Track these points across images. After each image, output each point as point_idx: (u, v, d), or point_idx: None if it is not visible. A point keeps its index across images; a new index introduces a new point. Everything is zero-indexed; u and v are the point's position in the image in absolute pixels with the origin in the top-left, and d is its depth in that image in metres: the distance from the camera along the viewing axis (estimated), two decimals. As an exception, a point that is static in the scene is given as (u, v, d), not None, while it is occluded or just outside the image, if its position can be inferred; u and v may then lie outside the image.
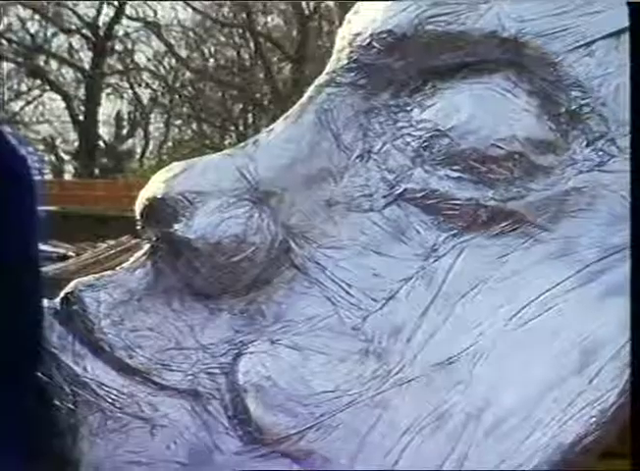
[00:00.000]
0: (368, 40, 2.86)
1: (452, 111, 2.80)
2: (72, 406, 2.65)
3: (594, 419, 2.54)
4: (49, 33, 27.22)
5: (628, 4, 2.06)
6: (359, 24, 2.92)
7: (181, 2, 27.11)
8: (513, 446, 2.54)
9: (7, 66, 27.06)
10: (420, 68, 2.85)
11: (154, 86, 29.50)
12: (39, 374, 2.60)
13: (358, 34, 2.89)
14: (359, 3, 3.07)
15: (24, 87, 27.77)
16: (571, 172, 2.77)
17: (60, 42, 27.71)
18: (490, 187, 2.76)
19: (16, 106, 25.97)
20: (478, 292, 2.72)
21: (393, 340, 2.70)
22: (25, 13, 24.28)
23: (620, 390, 2.56)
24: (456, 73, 2.84)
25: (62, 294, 2.77)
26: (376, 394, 2.65)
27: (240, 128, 27.96)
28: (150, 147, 30.24)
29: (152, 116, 30.41)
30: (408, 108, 2.86)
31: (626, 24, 2.78)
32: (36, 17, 25.99)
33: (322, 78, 2.95)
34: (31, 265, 2.60)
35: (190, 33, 28.20)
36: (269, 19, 27.72)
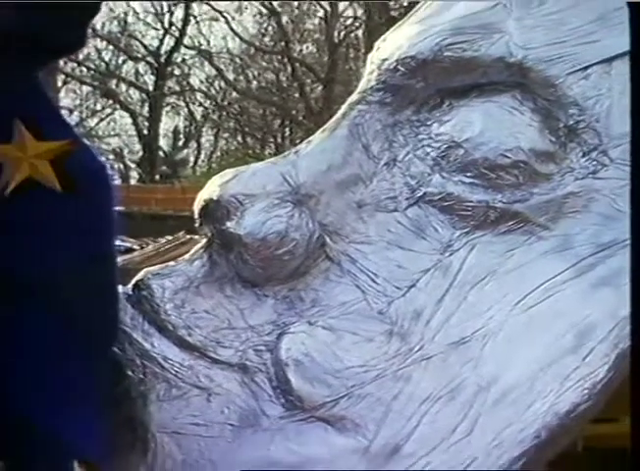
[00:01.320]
0: (394, 64, 2.87)
1: (466, 125, 2.82)
2: (142, 376, 2.69)
3: (586, 391, 2.56)
4: (120, 61, 27.37)
5: (628, 4, 2.02)
6: (387, 50, 2.93)
7: (230, 33, 27.19)
8: (517, 414, 2.55)
9: (85, 89, 27.17)
10: (439, 88, 2.86)
11: (206, 105, 29.51)
12: (115, 348, 2.62)
13: (386, 59, 2.90)
14: (388, 32, 3.08)
15: (98, 107, 27.86)
16: (569, 178, 2.78)
17: (128, 68, 27.88)
18: (498, 191, 2.77)
19: (91, 122, 26.10)
20: (487, 282, 2.73)
21: (414, 322, 2.72)
22: (100, 44, 24.42)
23: (609, 366, 2.58)
24: (470, 92, 2.85)
25: (133, 282, 2.80)
26: (399, 369, 2.68)
27: (279, 140, 27.93)
28: (202, 157, 30.27)
29: (204, 130, 30.42)
30: (428, 123, 2.87)
31: (618, 51, 2.79)
32: (110, 47, 26.08)
33: (354, 97, 2.97)
34: (110, 256, 2.62)
35: (237, 59, 28.20)
36: (304, 46, 27.67)
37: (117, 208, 2.63)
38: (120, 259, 2.80)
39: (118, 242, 2.78)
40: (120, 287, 2.69)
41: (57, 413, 2.31)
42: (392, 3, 17.18)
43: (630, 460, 2.26)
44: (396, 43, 2.92)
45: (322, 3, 26.64)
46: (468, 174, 2.79)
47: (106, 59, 27.13)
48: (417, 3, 3.14)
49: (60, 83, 22.86)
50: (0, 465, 2.51)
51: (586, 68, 2.80)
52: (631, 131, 2.66)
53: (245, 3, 27.07)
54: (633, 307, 2.38)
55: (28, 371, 2.31)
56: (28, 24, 2.06)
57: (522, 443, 2.53)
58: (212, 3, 26.88)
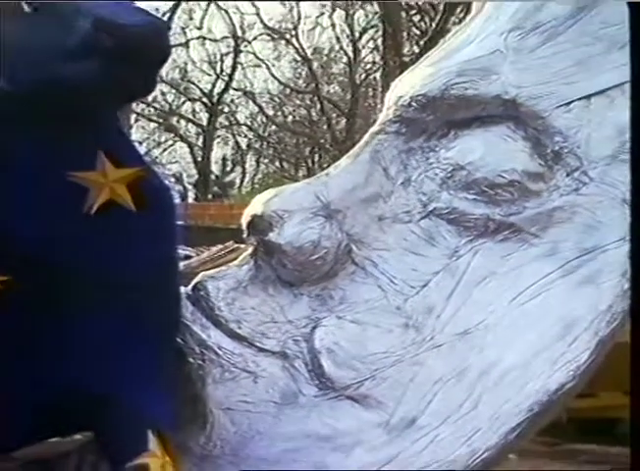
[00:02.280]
0: (408, 101, 2.87)
1: (468, 151, 2.82)
2: (200, 362, 2.71)
3: (571, 372, 2.56)
4: (180, 101, 27.38)
5: (628, 4, 1.99)
6: (402, 89, 2.93)
7: (270, 77, 27.29)
8: (514, 392, 2.56)
9: (152, 125, 27.21)
10: (446, 120, 2.86)
11: (249, 136, 29.49)
12: (179, 339, 2.65)
13: (401, 97, 2.90)
14: (404, 74, 3.08)
15: (162, 139, 27.89)
16: (555, 195, 2.77)
17: (187, 107, 27.88)
18: (496, 206, 2.77)
19: (156, 152, 26.12)
20: (488, 282, 2.74)
21: (426, 316, 2.73)
22: (165, 88, 24.45)
23: (591, 352, 2.58)
24: (472, 124, 2.85)
25: (192, 283, 2.81)
26: (414, 356, 2.69)
27: (309, 164, 27.85)
28: (246, 179, 30.19)
29: (247, 157, 30.38)
30: (437, 149, 2.87)
31: (595, 90, 2.80)
32: (172, 91, 26.14)
33: (374, 128, 2.98)
34: (174, 262, 2.63)
35: (275, 98, 28.18)
36: (330, 87, 27.63)
37: (179, 222, 2.65)
38: (181, 264, 2.80)
39: (179, 251, 2.78)
40: (181, 288, 2.71)
41: (135, 392, 2.33)
42: (405, 51, 17.14)
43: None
44: (410, 83, 2.93)
45: (346, 50, 26.66)
46: (471, 191, 2.79)
47: (169, 100, 27.17)
48: (426, 51, 3.14)
49: (132, 121, 22.96)
50: (89, 435, 2.54)
51: (569, 103, 2.80)
52: (631, 131, 2.64)
53: (283, 51, 27.21)
54: (633, 307, 2.35)
55: (112, 358, 2.33)
56: (110, 75, 2.07)
57: (518, 416, 2.54)
58: (256, 53, 27.07)
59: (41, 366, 2.27)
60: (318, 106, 27.49)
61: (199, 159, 28.22)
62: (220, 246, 3.21)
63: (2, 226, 2.19)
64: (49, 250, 2.23)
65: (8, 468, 2.51)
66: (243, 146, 30.33)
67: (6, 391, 2.27)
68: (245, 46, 27.66)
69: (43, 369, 2.28)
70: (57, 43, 2.10)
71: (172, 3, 24.58)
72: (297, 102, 28.75)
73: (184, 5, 25.76)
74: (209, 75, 28.20)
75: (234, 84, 28.18)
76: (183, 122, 28.73)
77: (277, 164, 30.64)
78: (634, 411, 2.27)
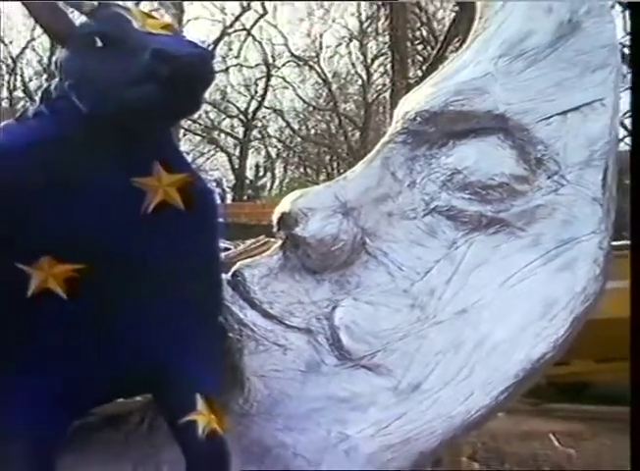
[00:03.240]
0: (414, 116, 2.86)
1: (464, 158, 2.81)
2: (239, 337, 2.72)
3: (551, 344, 2.57)
4: (220, 118, 27.42)
5: (629, 4, 1.97)
6: (408, 105, 2.92)
7: (296, 97, 27.34)
8: (503, 361, 2.57)
9: (197, 138, 27.26)
10: (445, 132, 2.85)
11: (278, 147, 29.53)
12: (221, 318, 2.65)
13: (408, 112, 2.89)
14: (410, 93, 3.07)
15: (205, 150, 27.94)
16: (538, 195, 2.76)
17: (226, 123, 27.93)
18: (488, 204, 2.76)
19: (201, 161, 26.11)
20: (482, 268, 2.73)
21: (429, 297, 2.73)
22: (208, 107, 24.49)
23: (567, 327, 2.58)
24: (468, 134, 2.83)
25: (231, 271, 2.82)
26: (419, 331, 2.69)
27: (329, 170, 27.86)
28: (275, 183, 30.27)
29: (277, 164, 30.43)
30: (438, 156, 2.86)
31: (571, 107, 2.79)
32: (214, 109, 26.23)
33: (384, 139, 2.97)
34: (217, 253, 2.64)
35: (300, 115, 28.21)
36: (347, 105, 27.61)
37: (220, 220, 2.66)
38: (221, 255, 2.81)
39: (220, 244, 2.79)
40: (223, 275, 2.71)
41: (187, 362, 2.34)
42: (410, 74, 17.07)
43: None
44: (415, 101, 2.92)
45: (360, 73, 26.64)
46: (467, 192, 2.78)
47: (211, 117, 27.23)
48: (429, 75, 3.13)
49: (181, 134, 23.02)
50: (149, 397, 2.56)
51: (549, 118, 2.79)
52: (632, 131, 2.62)
53: (307, 75, 27.25)
54: (633, 305, 2.32)
55: (169, 334, 2.34)
56: (165, 97, 2.09)
57: (506, 381, 2.55)
58: (284, 77, 27.21)
59: (114, 341, 2.28)
60: (336, 121, 27.49)
61: (236, 166, 28.29)
62: (253, 240, 3.20)
63: (78, 224, 2.20)
64: (116, 244, 2.23)
65: (90, 421, 2.55)
66: (273, 155, 30.40)
67: (88, 363, 2.29)
68: (275, 71, 27.75)
69: (116, 344, 2.29)
70: (122, 72, 2.11)
71: (216, 36, 24.78)
72: (319, 118, 28.76)
73: (224, 38, 25.91)
74: (245, 96, 28.28)
75: (265, 103, 28.26)
76: (222, 135, 28.81)
77: (301, 170, 30.68)
78: (634, 410, 2.23)
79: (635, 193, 2.59)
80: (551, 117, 2.79)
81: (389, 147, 2.91)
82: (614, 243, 2.80)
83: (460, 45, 3.38)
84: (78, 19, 2.27)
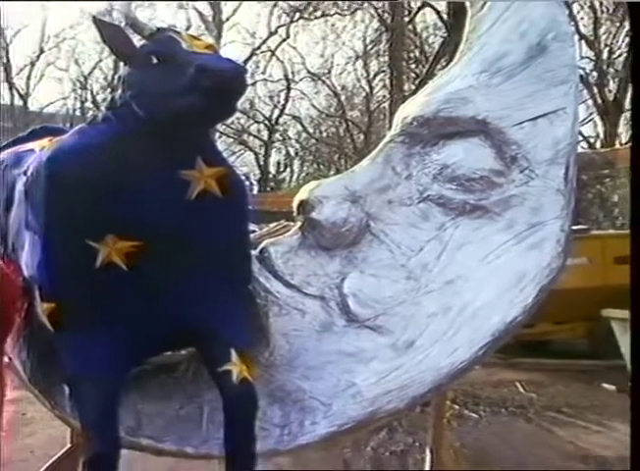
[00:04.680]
0: (410, 120, 2.85)
1: (452, 155, 2.78)
2: (265, 302, 2.70)
3: (521, 309, 2.56)
4: (249, 123, 27.45)
5: (628, 4, 1.93)
6: (406, 112, 2.90)
7: (311, 107, 27.40)
8: (484, 323, 2.55)
9: (229, 139, 27.08)
10: (436, 134, 2.82)
11: (296, 147, 29.56)
12: (250, 287, 2.63)
13: (406, 117, 2.87)
14: (406, 102, 3.05)
15: (236, 149, 27.87)
16: (512, 186, 2.74)
17: (254, 127, 27.88)
18: (471, 193, 2.74)
19: (232, 159, 26.02)
20: (466, 247, 2.71)
21: (422, 271, 2.71)
22: (239, 114, 24.40)
23: (534, 295, 2.57)
24: (455, 136, 2.80)
25: (259, 248, 2.80)
26: (414, 299, 2.68)
27: (338, 166, 27.82)
28: (294, 177, 30.26)
29: (295, 161, 30.44)
30: (430, 154, 2.83)
31: (540, 114, 2.76)
32: (244, 116, 26.18)
33: (385, 139, 2.95)
34: (248, 233, 2.63)
35: (315, 121, 28.21)
36: (352, 113, 27.55)
37: (249, 206, 2.64)
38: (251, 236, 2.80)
39: (250, 226, 2.77)
40: (252, 252, 2.70)
41: (224, 322, 2.34)
42: (405, 88, 16.99)
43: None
44: (411, 108, 2.90)
45: (364, 87, 26.57)
46: (454, 183, 2.76)
47: (242, 122, 27.22)
48: (421, 88, 3.11)
49: (216, 136, 22.99)
50: (193, 350, 2.55)
51: (521, 123, 2.76)
52: (632, 130, 2.59)
53: (320, 88, 27.23)
54: (633, 305, 2.25)
55: (210, 300, 2.34)
56: (206, 105, 2.10)
57: (484, 340, 2.54)
58: (302, 90, 27.29)
59: (165, 305, 2.29)
60: (344, 126, 27.44)
61: (261, 163, 28.29)
62: (276, 223, 3.20)
63: (136, 207, 2.20)
64: (166, 224, 2.24)
65: (146, 369, 2.55)
66: (292, 154, 30.37)
67: (144, 323, 2.30)
68: (294, 85, 27.73)
69: (166, 307, 2.29)
70: (172, 84, 2.12)
71: (246, 55, 24.78)
72: (330, 123, 28.71)
73: (253, 57, 25.94)
74: (269, 105, 28.24)
75: (286, 111, 28.25)
76: (250, 137, 28.79)
77: (315, 166, 30.63)
78: (634, 412, 2.19)
79: (635, 189, 2.47)
80: (523, 122, 2.77)
81: (389, 146, 2.89)
82: (574, 227, 2.79)
83: (447, 64, 3.36)
84: (138, 41, 2.30)
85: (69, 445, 3.01)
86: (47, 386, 2.53)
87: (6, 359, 2.35)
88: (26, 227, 2.35)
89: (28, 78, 28.08)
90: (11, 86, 27.53)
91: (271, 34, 26.27)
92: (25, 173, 2.40)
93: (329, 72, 26.93)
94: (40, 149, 2.42)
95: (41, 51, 28.00)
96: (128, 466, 2.43)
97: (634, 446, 2.16)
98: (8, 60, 27.33)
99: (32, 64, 28.04)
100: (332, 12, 22.63)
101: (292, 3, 22.83)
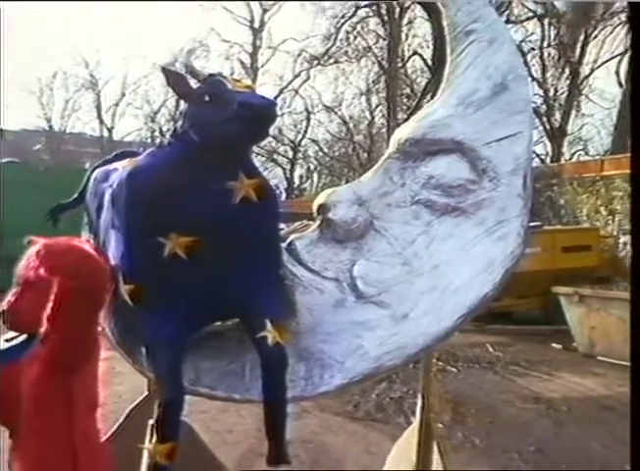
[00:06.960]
0: (404, 141, 2.81)
1: (437, 168, 2.74)
2: (292, 284, 2.66)
3: (491, 286, 2.52)
4: (277, 145, 27.52)
5: (629, 4, 1.84)
6: (401, 134, 2.86)
7: (326, 132, 27.44)
8: (461, 298, 2.52)
9: (261, 158, 26.95)
10: (424, 151, 2.78)
11: (314, 163, 29.58)
12: (281, 272, 2.60)
13: (400, 139, 2.83)
14: (400, 127, 3.00)
15: (268, 166, 27.80)
16: (483, 192, 2.69)
17: (282, 149, 27.85)
18: (452, 198, 2.70)
19: (265, 173, 25.91)
20: (448, 239, 2.67)
21: (415, 258, 2.68)
22: (270, 138, 24.40)
23: (502, 275, 2.53)
24: (438, 153, 2.75)
25: (287, 241, 2.78)
26: (408, 280, 2.63)
27: (347, 178, 27.74)
28: (313, 187, 30.23)
29: (314, 175, 30.44)
30: (420, 167, 2.78)
31: (502, 136, 2.69)
32: (274, 139, 26.15)
33: (385, 156, 2.89)
34: (278, 230, 2.62)
35: (329, 143, 28.27)
36: (358, 137, 27.40)
37: (280, 210, 2.62)
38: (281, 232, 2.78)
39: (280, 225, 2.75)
40: (282, 244, 2.68)
41: (262, 299, 2.33)
42: (399, 116, 16.93)
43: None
44: (404, 131, 2.85)
45: (367, 116, 26.51)
46: (439, 190, 2.72)
47: (272, 145, 27.28)
48: (415, 111, 3.06)
49: (253, 155, 22.92)
50: (236, 321, 2.53)
51: (489, 143, 2.71)
52: (632, 129, 2.53)
53: (333, 118, 27.13)
54: (633, 305, 2.18)
55: (252, 283, 2.33)
56: (246, 132, 2.12)
57: (463, 310, 2.51)
58: (318, 119, 27.39)
59: (216, 286, 2.28)
60: (352, 147, 27.42)
61: (288, 176, 28.29)
62: (299, 222, 3.18)
63: (193, 211, 2.21)
64: (216, 223, 2.23)
65: (202, 336, 2.53)
66: (311, 169, 30.34)
67: (201, 300, 2.30)
68: (313, 116, 27.81)
69: (217, 288, 2.29)
70: (220, 116, 2.14)
71: (275, 93, 24.85)
72: (340, 145, 28.70)
73: (281, 95, 26.01)
74: (293, 131, 28.32)
75: (307, 136, 28.30)
76: (279, 156, 28.83)
77: (329, 178, 30.61)
78: (634, 410, 2.05)
79: (635, 197, 2.36)
80: (490, 142, 2.72)
81: (388, 161, 2.85)
82: (531, 224, 2.74)
83: (432, 98, 3.31)
84: (195, 84, 2.32)
85: (146, 393, 3.01)
86: (130, 347, 2.55)
87: (100, 328, 2.38)
88: (112, 227, 2.38)
89: (113, 115, 30.84)
90: (101, 122, 30.70)
91: (295, 77, 26.56)
92: (111, 186, 2.44)
93: (340, 105, 26.93)
94: (122, 168, 2.43)
95: (123, 95, 30.78)
96: (191, 407, 2.47)
97: (634, 446, 2.00)
98: (99, 103, 30.45)
99: (117, 104, 30.68)
100: (342, 59, 22.70)
101: (311, 52, 22.90)
